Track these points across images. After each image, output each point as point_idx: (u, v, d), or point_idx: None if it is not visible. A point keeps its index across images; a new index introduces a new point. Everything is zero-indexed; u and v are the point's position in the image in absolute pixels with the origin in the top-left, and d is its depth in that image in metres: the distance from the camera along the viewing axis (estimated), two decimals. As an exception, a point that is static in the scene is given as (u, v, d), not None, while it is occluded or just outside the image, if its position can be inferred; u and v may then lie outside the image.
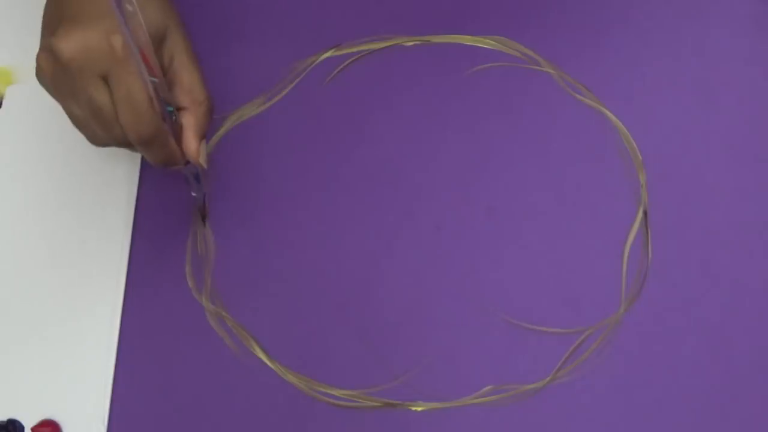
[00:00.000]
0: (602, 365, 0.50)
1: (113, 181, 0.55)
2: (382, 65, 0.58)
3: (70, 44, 0.41)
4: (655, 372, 0.50)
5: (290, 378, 0.51)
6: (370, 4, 0.60)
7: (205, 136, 0.48)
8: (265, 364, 0.51)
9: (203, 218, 0.54)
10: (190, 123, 0.46)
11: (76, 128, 0.44)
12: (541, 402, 0.49)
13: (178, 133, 0.46)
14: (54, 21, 0.43)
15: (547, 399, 0.50)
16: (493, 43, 0.58)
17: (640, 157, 0.55)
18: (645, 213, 0.53)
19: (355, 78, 0.58)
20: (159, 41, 0.45)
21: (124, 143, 0.44)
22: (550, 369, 0.50)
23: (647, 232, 0.53)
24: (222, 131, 0.57)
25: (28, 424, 0.49)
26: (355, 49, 0.59)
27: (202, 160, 0.47)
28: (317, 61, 0.58)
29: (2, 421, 0.49)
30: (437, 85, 0.57)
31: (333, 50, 0.59)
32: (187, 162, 0.48)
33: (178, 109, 0.46)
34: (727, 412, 0.49)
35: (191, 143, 0.46)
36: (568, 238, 0.53)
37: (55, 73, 0.41)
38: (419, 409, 0.50)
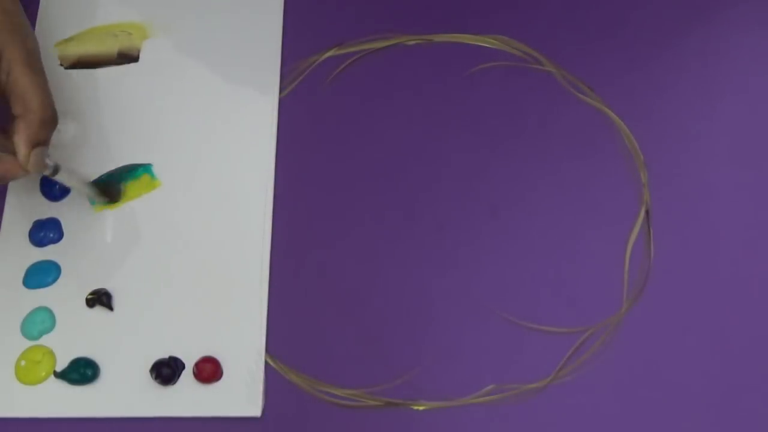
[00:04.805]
0: (604, 365, 0.50)
1: (251, 130, 0.56)
2: (383, 64, 0.58)
3: None
4: (657, 372, 0.50)
5: (292, 377, 0.51)
6: (372, 3, 0.60)
7: (41, 143, 0.49)
8: (267, 363, 0.51)
9: (113, 200, 0.55)
10: (20, 129, 0.48)
11: None
12: (542, 401, 0.49)
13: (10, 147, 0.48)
14: None
15: (549, 398, 0.50)
16: (495, 42, 0.58)
17: (642, 157, 0.55)
18: (647, 212, 0.53)
19: (357, 77, 0.58)
20: None
21: None
22: (552, 368, 0.50)
23: (649, 232, 0.53)
24: (224, 131, 0.57)
25: (188, 361, 0.51)
26: (356, 49, 0.59)
27: (32, 167, 0.48)
28: (319, 61, 0.58)
29: (164, 358, 0.51)
30: (439, 84, 0.57)
31: (335, 49, 0.59)
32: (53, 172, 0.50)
33: (13, 118, 0.48)
34: (729, 412, 0.49)
35: (19, 149, 0.48)
36: (570, 238, 0.53)
37: None
38: (421, 408, 0.50)
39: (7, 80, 0.48)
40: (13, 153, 0.48)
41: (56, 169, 0.50)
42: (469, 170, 0.55)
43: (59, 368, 0.51)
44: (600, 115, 0.56)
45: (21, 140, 0.48)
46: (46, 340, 0.52)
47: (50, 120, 0.49)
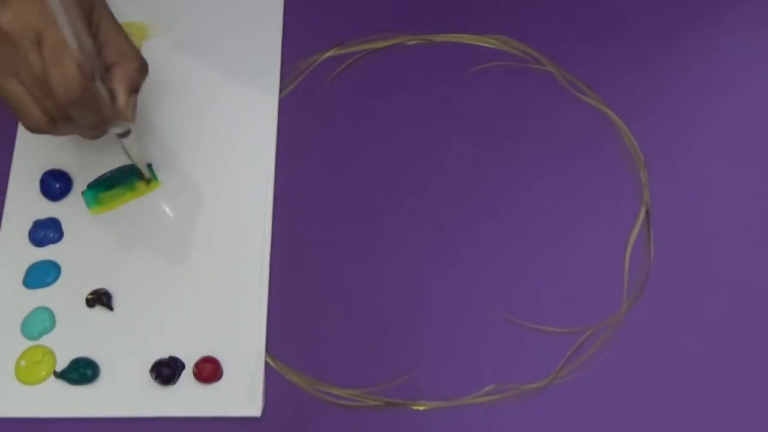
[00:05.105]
0: (604, 365, 0.50)
1: (251, 130, 0.56)
2: (383, 64, 0.58)
3: (7, 15, 0.43)
4: (657, 371, 0.50)
5: (292, 377, 0.51)
6: (372, 3, 0.60)
7: (136, 91, 0.49)
8: (267, 363, 0.51)
9: (147, 182, 0.55)
10: (119, 75, 0.48)
11: (16, 113, 0.46)
12: (542, 401, 0.49)
13: (110, 95, 0.47)
14: None
15: (549, 398, 0.50)
16: (495, 42, 0.58)
17: (642, 157, 0.55)
18: (647, 212, 0.53)
19: (357, 77, 0.58)
20: (88, 11, 0.47)
21: (60, 115, 0.45)
22: (552, 368, 0.50)
23: (649, 232, 0.53)
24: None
25: (188, 361, 0.51)
26: (356, 48, 0.59)
27: (131, 114, 0.48)
28: (319, 60, 0.58)
29: (164, 358, 0.51)
30: (439, 84, 0.57)
31: (335, 49, 0.59)
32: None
33: (109, 66, 0.48)
34: (729, 412, 0.49)
35: (120, 95, 0.48)
36: (570, 238, 0.53)
37: None
38: (421, 408, 0.50)
39: (98, 32, 0.48)
40: (107, 99, 0.47)
41: (129, 130, 0.50)
42: (469, 170, 0.55)
43: (59, 368, 0.51)
44: (600, 115, 0.56)
45: (121, 86, 0.48)
46: (46, 340, 0.52)
47: (145, 67, 0.49)
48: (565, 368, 0.50)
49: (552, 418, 0.49)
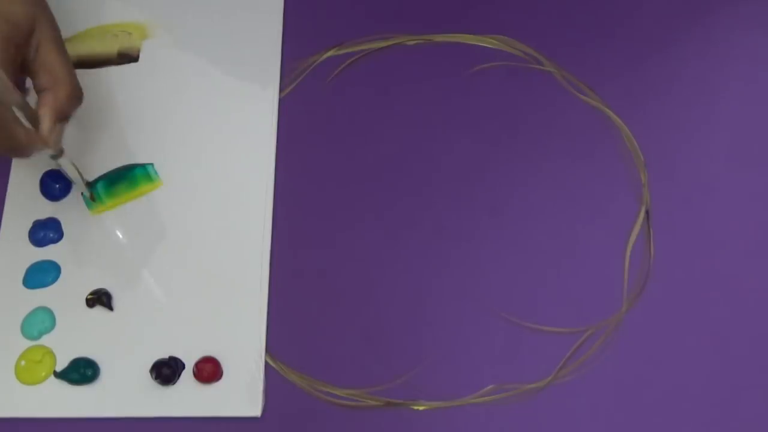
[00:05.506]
0: (604, 365, 0.50)
1: (251, 130, 0.56)
2: (383, 64, 0.58)
3: None
4: (657, 371, 0.50)
5: (292, 377, 0.51)
6: (372, 3, 0.60)
7: (64, 119, 0.48)
8: (267, 363, 0.51)
9: (92, 199, 0.55)
10: (46, 101, 0.47)
11: None
12: (542, 401, 0.49)
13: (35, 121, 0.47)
14: None
15: (549, 398, 0.50)
16: (496, 42, 0.58)
17: (642, 157, 0.55)
18: (647, 212, 0.53)
19: (357, 77, 0.58)
20: (28, 33, 0.47)
21: None
22: (552, 368, 0.50)
23: (649, 232, 0.53)
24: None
25: (188, 361, 0.51)
26: (356, 48, 0.59)
27: (54, 143, 0.48)
28: (319, 61, 0.58)
29: (164, 359, 0.51)
30: (439, 84, 0.57)
31: (335, 49, 0.59)
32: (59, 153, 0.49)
33: (40, 91, 0.48)
34: (729, 412, 0.49)
35: (44, 121, 0.47)
36: (570, 238, 0.53)
37: None
38: (421, 408, 0.50)
39: (36, 55, 0.47)
40: (35, 125, 0.47)
41: (61, 152, 0.50)
42: (468, 170, 0.55)
43: (59, 368, 0.51)
44: (600, 115, 0.56)
45: (47, 113, 0.47)
46: (46, 340, 0.52)
47: (77, 94, 0.49)
48: (565, 368, 0.50)
49: (552, 418, 0.49)
